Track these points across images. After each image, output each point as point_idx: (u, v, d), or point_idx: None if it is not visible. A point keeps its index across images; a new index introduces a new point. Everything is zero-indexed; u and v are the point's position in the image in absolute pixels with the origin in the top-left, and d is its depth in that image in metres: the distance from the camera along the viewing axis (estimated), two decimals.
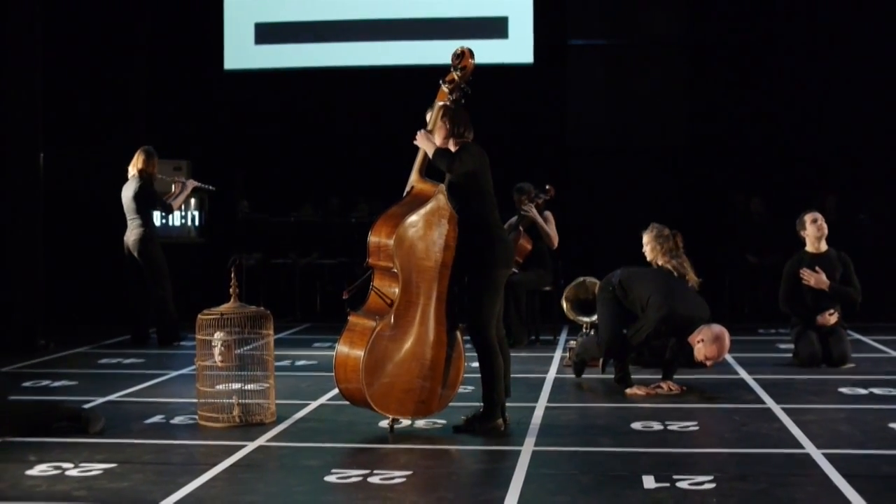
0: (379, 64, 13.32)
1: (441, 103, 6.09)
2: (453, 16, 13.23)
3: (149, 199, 9.83)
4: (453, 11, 13.26)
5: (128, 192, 9.81)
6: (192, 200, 12.06)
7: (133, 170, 9.82)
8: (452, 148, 6.02)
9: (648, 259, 7.79)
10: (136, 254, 9.77)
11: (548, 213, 9.84)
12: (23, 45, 9.84)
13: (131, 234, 9.81)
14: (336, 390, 6.16)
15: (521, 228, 9.64)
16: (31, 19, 9.91)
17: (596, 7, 13.56)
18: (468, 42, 6.68)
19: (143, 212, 9.80)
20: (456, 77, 6.07)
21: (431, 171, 6.07)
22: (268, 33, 13.54)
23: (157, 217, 10.50)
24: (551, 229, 9.77)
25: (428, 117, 6.18)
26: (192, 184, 10.13)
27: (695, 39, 13.32)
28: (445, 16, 13.25)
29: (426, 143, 6.01)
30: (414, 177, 6.06)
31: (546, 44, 13.23)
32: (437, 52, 12.46)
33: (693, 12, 13.31)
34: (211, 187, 10.47)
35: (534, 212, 9.67)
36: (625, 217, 12.88)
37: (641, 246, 7.74)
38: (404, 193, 6.05)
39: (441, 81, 6.12)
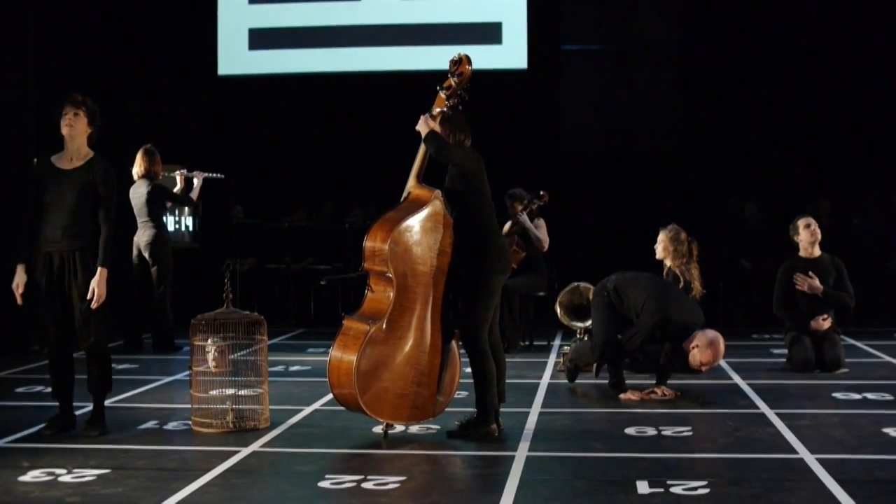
0: (373, 69, 13.35)
1: (439, 109, 6.07)
2: (447, 21, 13.25)
3: (162, 199, 9.76)
4: (447, 17, 13.28)
5: (139, 195, 9.66)
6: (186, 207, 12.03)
7: (139, 170, 9.71)
8: None
9: (658, 257, 7.76)
10: (146, 254, 9.67)
11: (540, 220, 9.83)
12: (16, 50, 9.82)
13: (143, 236, 9.68)
14: (330, 396, 6.15)
15: (514, 234, 9.62)
16: (25, 24, 9.90)
17: (589, 12, 13.59)
18: (462, 48, 6.66)
19: (156, 213, 9.69)
20: (453, 83, 6.05)
21: (429, 176, 6.06)
22: (261, 39, 13.55)
23: None
24: (542, 234, 9.76)
25: (421, 122, 6.08)
26: (201, 175, 10.06)
27: (688, 44, 13.35)
28: (439, 21, 13.26)
29: (423, 127, 5.99)
30: (411, 182, 6.04)
31: (540, 49, 13.27)
32: (431, 57, 12.49)
33: (686, 17, 13.34)
34: (220, 175, 10.39)
35: (524, 219, 9.64)
36: (618, 222, 12.95)
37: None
38: (401, 199, 6.04)
39: (438, 88, 6.10)
